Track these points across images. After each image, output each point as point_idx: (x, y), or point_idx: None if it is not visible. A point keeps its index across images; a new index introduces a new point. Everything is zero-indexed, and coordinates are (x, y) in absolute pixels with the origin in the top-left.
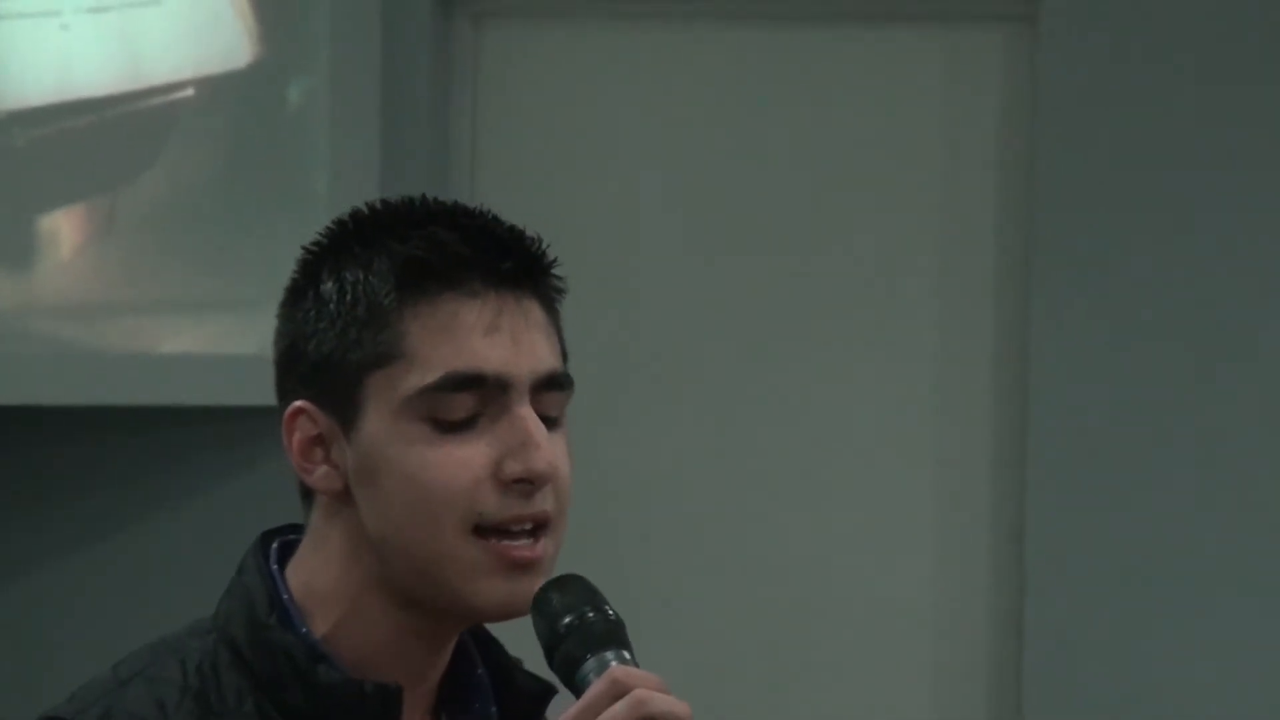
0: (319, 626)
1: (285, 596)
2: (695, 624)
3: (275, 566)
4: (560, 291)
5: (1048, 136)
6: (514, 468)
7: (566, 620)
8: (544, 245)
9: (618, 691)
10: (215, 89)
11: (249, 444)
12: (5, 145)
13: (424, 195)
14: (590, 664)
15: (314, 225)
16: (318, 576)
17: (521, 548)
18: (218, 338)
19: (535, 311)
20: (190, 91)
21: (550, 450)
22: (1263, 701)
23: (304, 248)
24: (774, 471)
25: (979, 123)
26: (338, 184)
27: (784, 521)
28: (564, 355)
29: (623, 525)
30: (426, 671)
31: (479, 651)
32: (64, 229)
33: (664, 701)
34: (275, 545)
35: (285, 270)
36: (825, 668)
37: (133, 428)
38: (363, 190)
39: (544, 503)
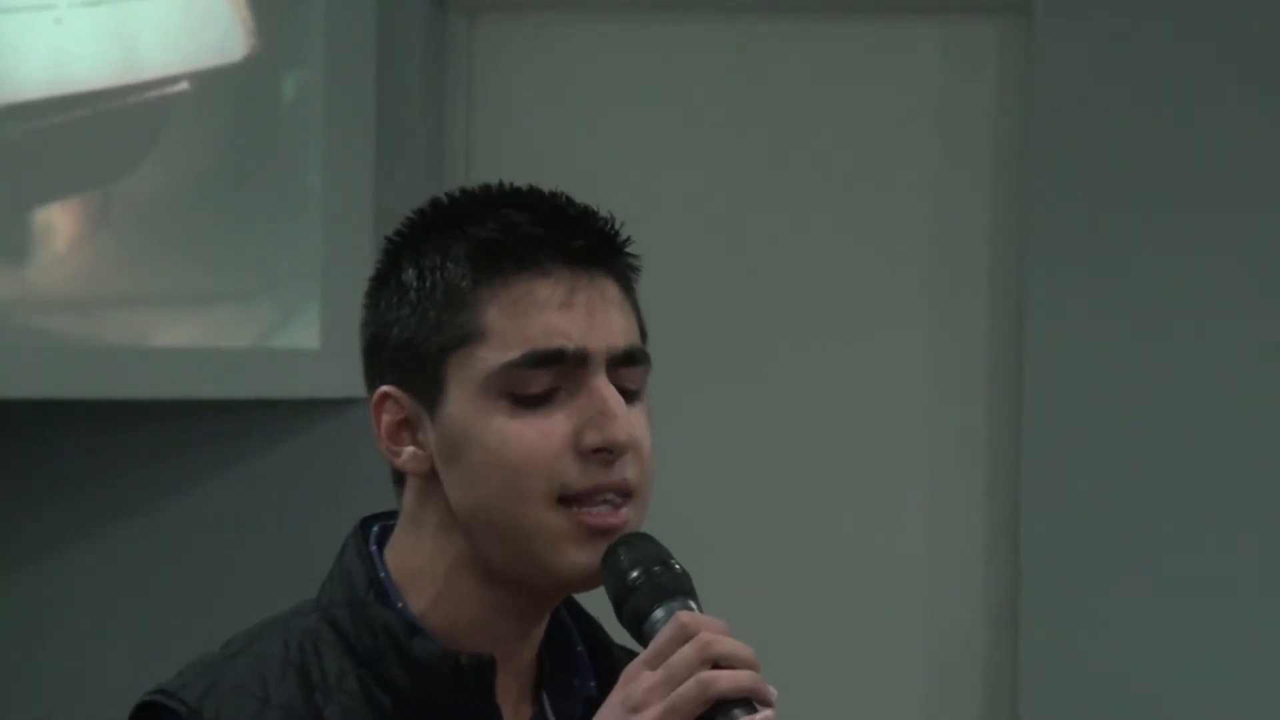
0: (415, 603)
1: (382, 575)
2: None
3: (374, 548)
4: (635, 270)
5: (1042, 129)
6: (593, 438)
7: (634, 575)
8: (617, 224)
9: (685, 635)
10: (210, 83)
11: (245, 437)
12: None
13: (500, 182)
14: (659, 613)
15: (309, 219)
16: (412, 555)
17: (604, 514)
18: (213, 331)
19: (610, 288)
20: (185, 85)
21: (628, 420)
22: (1260, 696)
23: (387, 238)
24: (765, 465)
25: (973, 115)
26: (332, 178)
27: (776, 515)
28: (643, 332)
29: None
30: (520, 647)
31: (578, 629)
32: (58, 222)
33: (729, 644)
34: (376, 529)
35: (279, 263)
36: (819, 662)
37: (128, 421)
38: (357, 184)
39: (624, 471)
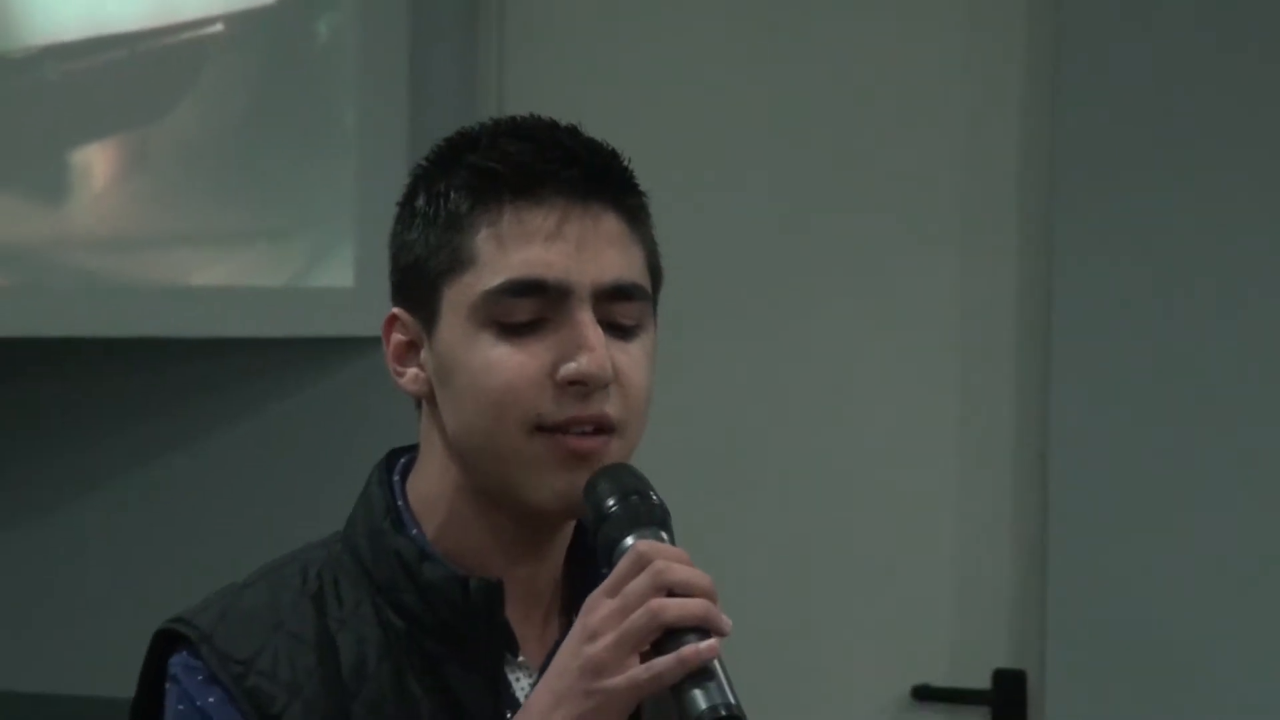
0: (428, 529)
1: (400, 503)
2: (720, 542)
3: (396, 478)
4: (641, 206)
5: (1073, 73)
6: (568, 369)
7: (610, 503)
8: (621, 159)
9: (641, 564)
10: (245, 24)
11: (280, 374)
12: (38, 79)
13: (518, 115)
14: (629, 541)
15: (343, 158)
16: (424, 482)
17: (580, 439)
18: (248, 269)
19: (608, 221)
20: (221, 26)
21: (603, 354)
22: None
23: (413, 168)
24: (796, 408)
25: (1003, 54)
26: (366, 118)
27: (807, 456)
28: (654, 269)
29: (663, 446)
30: (535, 570)
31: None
32: (96, 163)
33: (683, 572)
34: (403, 460)
35: (314, 203)
36: (846, 602)
37: (164, 359)
38: (391, 124)
39: (602, 404)
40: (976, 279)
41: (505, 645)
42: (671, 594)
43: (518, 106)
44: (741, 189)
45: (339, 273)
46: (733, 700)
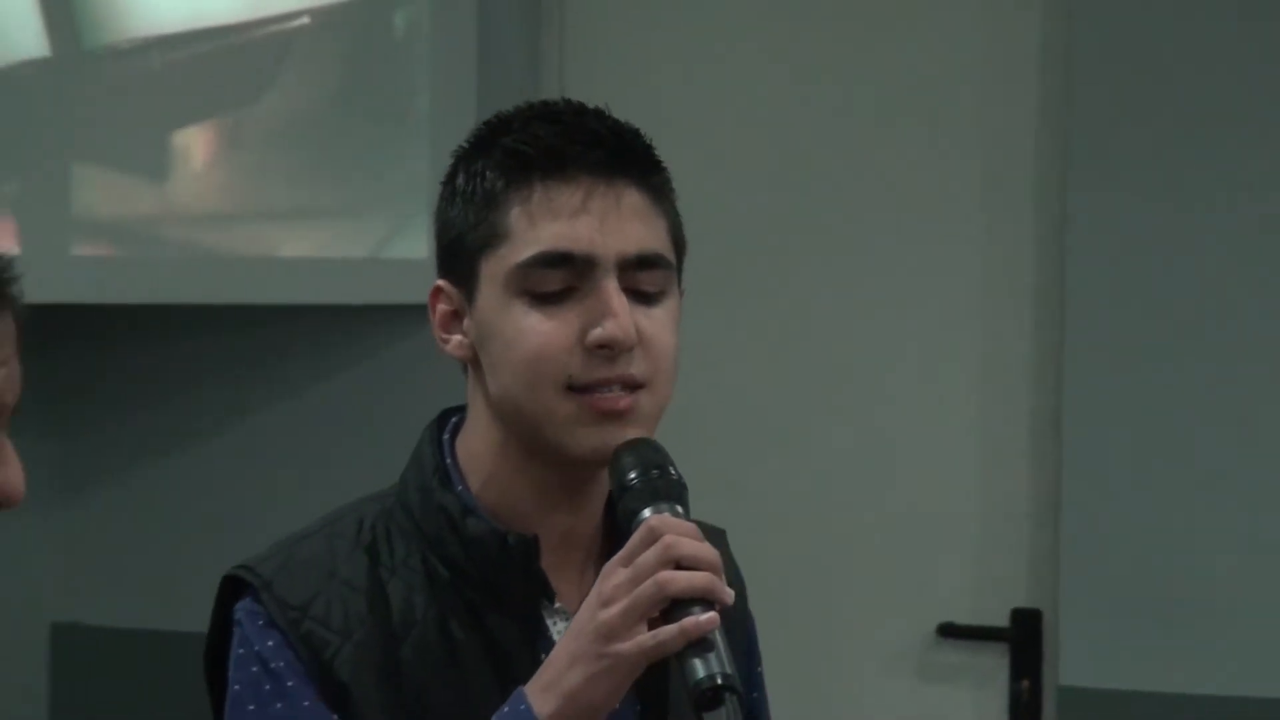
0: (472, 485)
1: (448, 460)
2: (762, 491)
3: (446, 436)
4: (664, 181)
5: (1087, 42)
6: (595, 334)
7: (631, 476)
8: (643, 138)
9: (653, 537)
10: (328, 18)
11: (358, 338)
12: (143, 68)
13: (551, 99)
14: (645, 514)
15: (416, 141)
16: (470, 440)
17: (610, 398)
18: (331, 242)
19: (631, 196)
20: (306, 20)
21: (628, 320)
22: None
23: (455, 150)
24: (823, 363)
25: (1019, 31)
26: (437, 104)
27: (832, 408)
28: (677, 240)
29: (717, 394)
30: (573, 521)
31: None
32: (195, 144)
33: (690, 547)
34: (454, 419)
35: (391, 181)
36: (870, 547)
37: (255, 324)
38: (460, 109)
39: (629, 366)
40: (995, 245)
41: (541, 593)
42: (680, 567)
43: (576, 92)
44: (785, 169)
45: (413, 245)
46: (729, 671)
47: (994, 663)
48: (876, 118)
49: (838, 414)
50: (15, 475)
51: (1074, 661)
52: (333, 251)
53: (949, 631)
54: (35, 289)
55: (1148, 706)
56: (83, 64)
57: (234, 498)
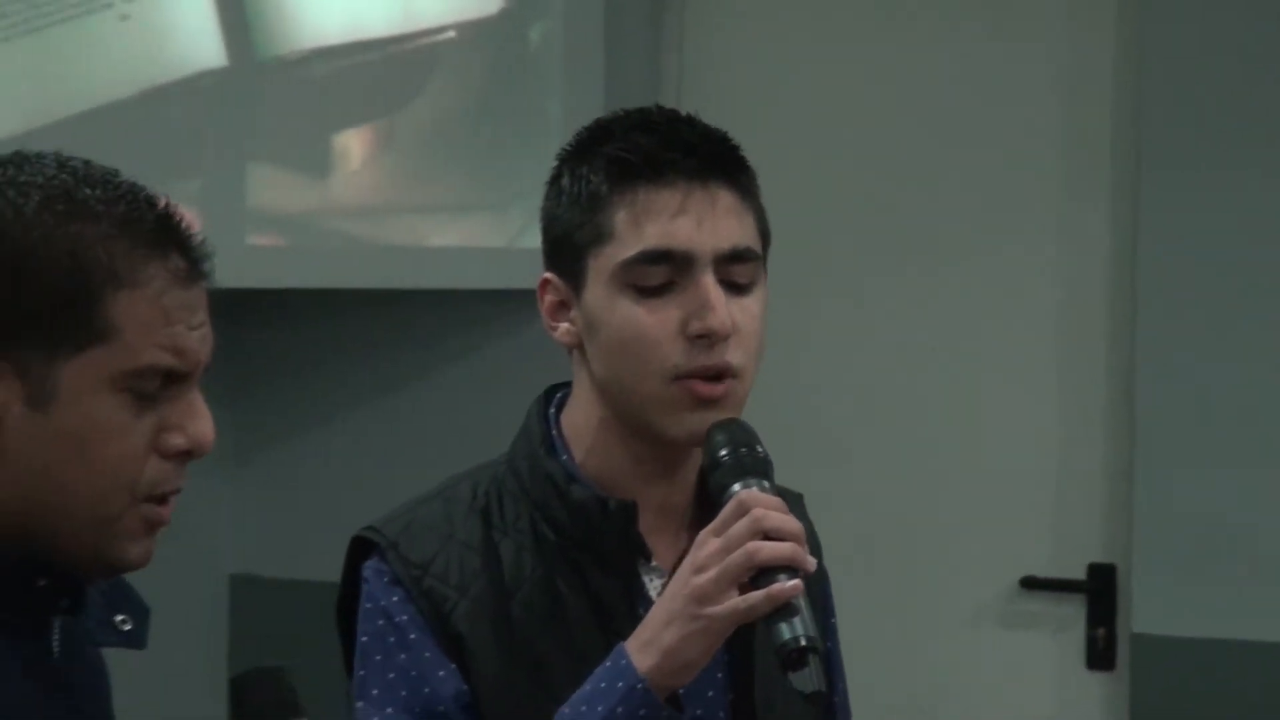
0: (576, 455)
1: (554, 432)
2: (865, 459)
3: (552, 410)
4: (751, 181)
5: (1159, 33)
6: (695, 325)
7: (723, 453)
8: (731, 143)
9: (743, 510)
10: (472, 31)
11: (498, 320)
12: (306, 76)
13: (648, 107)
14: (735, 488)
15: (550, 143)
16: (574, 414)
17: (708, 385)
18: (474, 233)
19: (724, 196)
20: (452, 34)
21: (724, 311)
22: None
23: (559, 152)
24: (912, 341)
25: (1096, 25)
26: (568, 109)
27: (921, 385)
28: (764, 233)
29: (820, 374)
30: (669, 490)
31: None
32: (353, 145)
33: (777, 519)
34: (559, 395)
35: (528, 179)
36: (954, 508)
37: (406, 307)
38: (589, 114)
39: (724, 354)
40: (1071, 229)
41: (639, 553)
42: (767, 538)
43: (691, 98)
44: (887, 165)
45: None
46: (812, 633)
47: (1072, 613)
48: (960, 117)
49: (927, 384)
50: (208, 426)
51: (1146, 611)
52: (475, 241)
53: (1030, 584)
54: (215, 274)
55: (1213, 652)
56: (256, 73)
57: (388, 460)
